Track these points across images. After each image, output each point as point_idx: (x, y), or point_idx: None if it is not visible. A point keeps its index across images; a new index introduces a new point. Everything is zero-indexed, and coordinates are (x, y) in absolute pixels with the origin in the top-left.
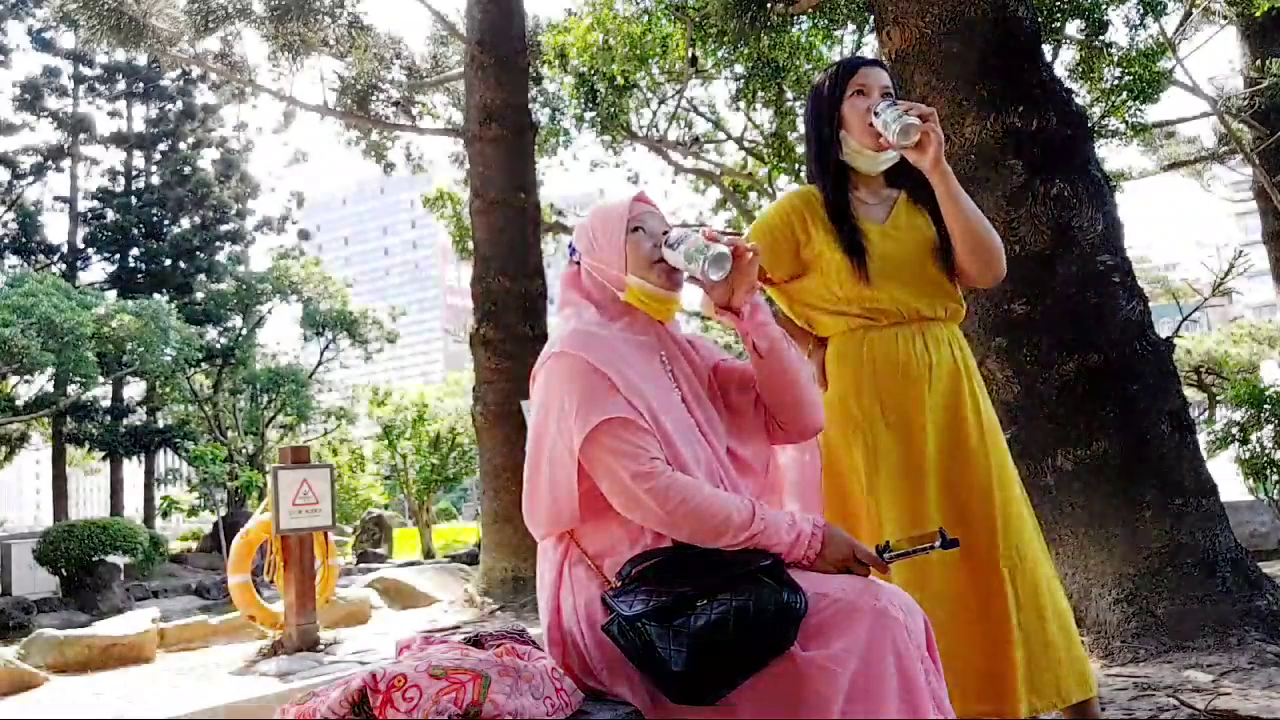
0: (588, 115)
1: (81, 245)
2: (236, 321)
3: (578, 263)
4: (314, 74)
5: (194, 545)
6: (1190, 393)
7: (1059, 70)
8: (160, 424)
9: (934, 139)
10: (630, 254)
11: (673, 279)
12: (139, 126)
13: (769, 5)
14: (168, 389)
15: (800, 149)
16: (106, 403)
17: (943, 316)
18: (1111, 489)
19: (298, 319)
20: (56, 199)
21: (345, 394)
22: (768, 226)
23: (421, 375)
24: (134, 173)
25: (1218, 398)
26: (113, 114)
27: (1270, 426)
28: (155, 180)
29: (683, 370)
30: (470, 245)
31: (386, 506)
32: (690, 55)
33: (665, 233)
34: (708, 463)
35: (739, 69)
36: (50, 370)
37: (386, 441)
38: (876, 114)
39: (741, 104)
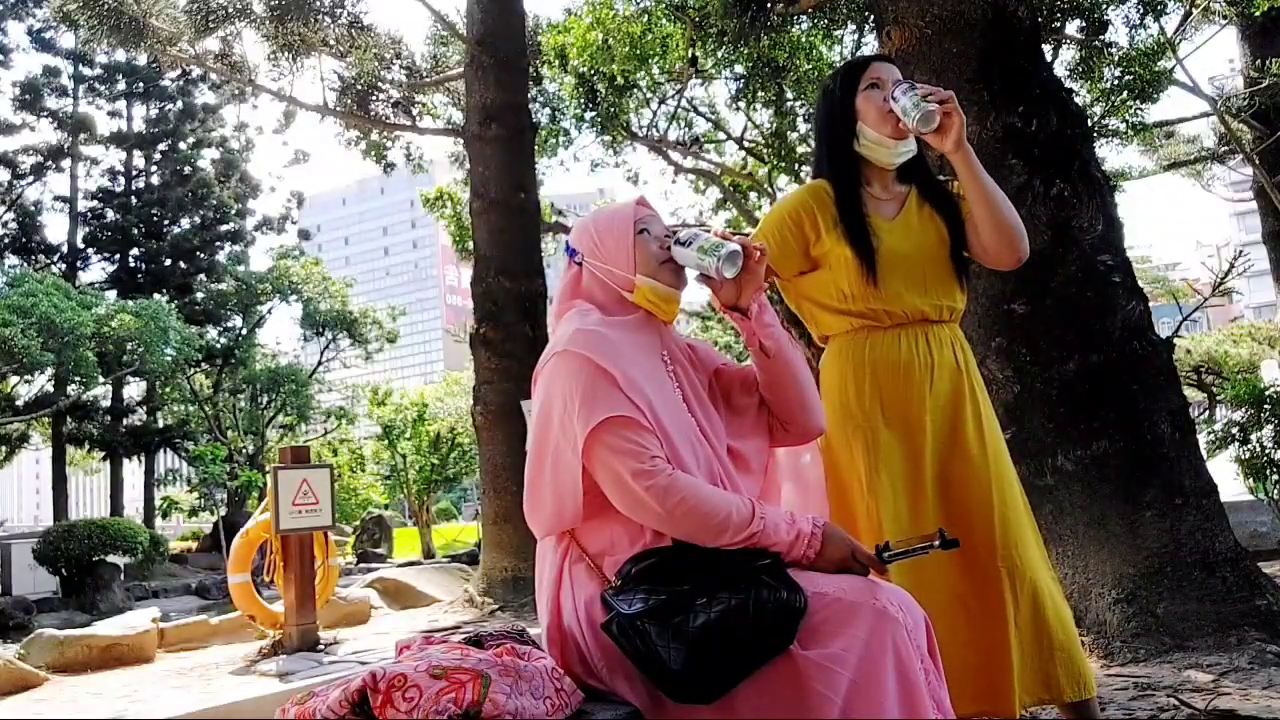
0: (588, 115)
1: (81, 245)
2: (236, 321)
3: (579, 264)
4: (314, 74)
5: (194, 545)
6: (1190, 393)
7: (1059, 70)
8: (160, 424)
9: (955, 121)
10: (638, 255)
11: (679, 279)
12: (139, 126)
13: (769, 5)
14: (168, 389)
15: (801, 149)
16: (106, 403)
17: (946, 318)
18: (1111, 489)
19: (298, 319)
20: (56, 199)
21: (345, 394)
22: (778, 223)
23: (421, 375)
24: (134, 173)
25: (1218, 398)
26: (113, 114)
27: (1270, 426)
28: (155, 180)
29: (684, 371)
30: (470, 245)
31: (386, 506)
32: (690, 55)
33: (673, 232)
34: (708, 462)
35: (739, 69)
36: (50, 370)
37: (386, 441)
38: (895, 100)
39: (741, 104)
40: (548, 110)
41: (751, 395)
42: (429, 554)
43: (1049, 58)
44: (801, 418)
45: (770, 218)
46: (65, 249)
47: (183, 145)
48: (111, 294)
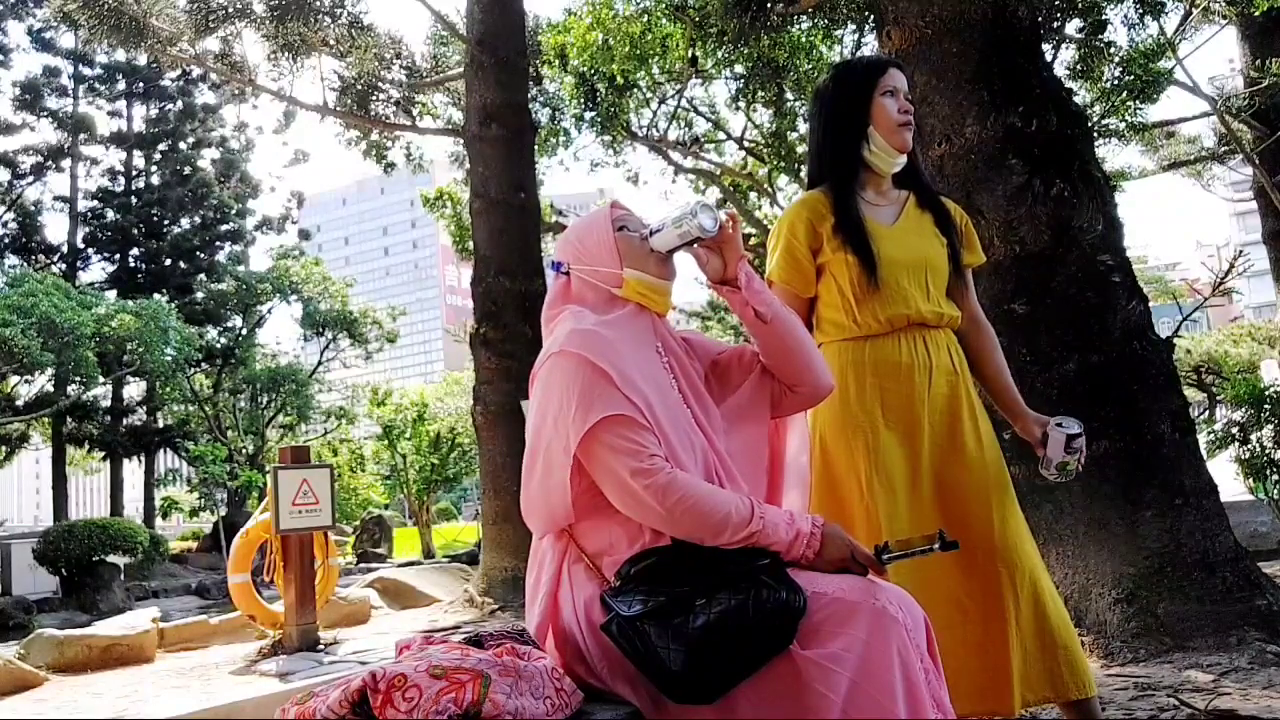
0: (588, 115)
1: (81, 245)
2: (236, 321)
3: (566, 274)
4: (314, 74)
5: (194, 545)
6: (1190, 393)
7: (1059, 70)
8: (160, 424)
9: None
10: (622, 249)
11: (667, 268)
12: (139, 126)
13: (769, 5)
14: (168, 389)
15: (801, 149)
16: (106, 403)
17: (944, 324)
18: (1111, 489)
19: (298, 319)
20: (56, 199)
21: (345, 394)
22: (785, 248)
23: (421, 375)
24: (134, 173)
25: (1218, 398)
26: (113, 114)
27: (1270, 426)
28: (155, 180)
29: (680, 365)
30: (470, 245)
31: (386, 506)
32: (690, 55)
33: (646, 226)
34: (704, 454)
35: (739, 69)
36: (50, 370)
37: (386, 441)
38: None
39: (741, 104)
40: (548, 110)
41: (750, 370)
42: (429, 554)
43: (1049, 58)
44: (810, 376)
45: (776, 249)
46: (65, 249)
47: (183, 145)
48: (111, 294)
